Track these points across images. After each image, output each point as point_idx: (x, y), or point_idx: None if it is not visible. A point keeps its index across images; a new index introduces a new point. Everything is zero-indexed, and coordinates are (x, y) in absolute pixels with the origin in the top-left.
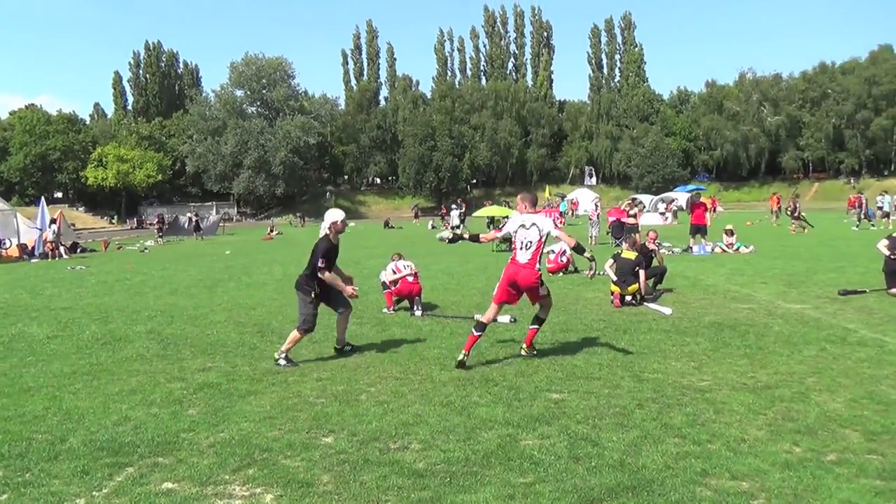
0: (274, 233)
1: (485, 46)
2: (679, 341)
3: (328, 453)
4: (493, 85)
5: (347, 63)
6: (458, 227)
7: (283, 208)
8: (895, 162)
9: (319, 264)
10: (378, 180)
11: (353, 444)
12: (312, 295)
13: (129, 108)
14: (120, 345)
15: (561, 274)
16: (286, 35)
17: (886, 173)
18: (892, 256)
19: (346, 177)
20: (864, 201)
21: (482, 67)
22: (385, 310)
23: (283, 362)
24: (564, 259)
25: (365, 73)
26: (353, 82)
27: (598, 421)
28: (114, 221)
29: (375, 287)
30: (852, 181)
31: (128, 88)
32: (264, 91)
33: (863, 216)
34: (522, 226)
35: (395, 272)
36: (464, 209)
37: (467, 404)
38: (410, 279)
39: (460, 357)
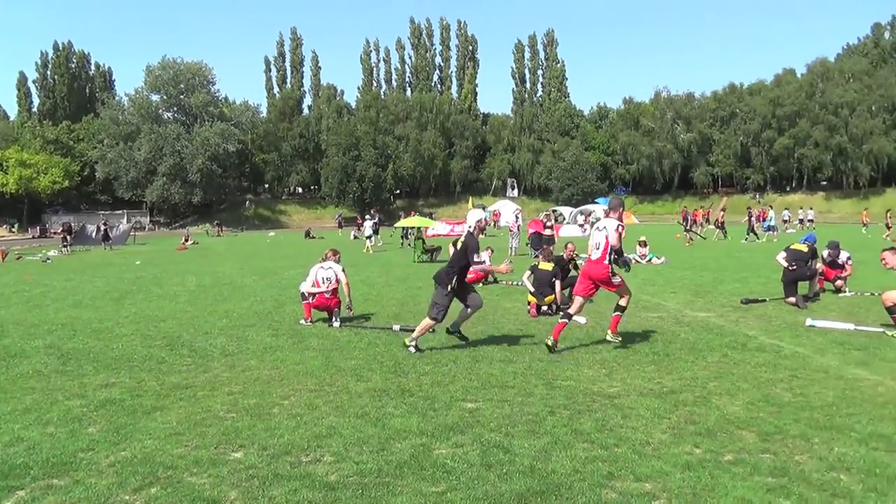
0: (189, 242)
1: (410, 58)
2: (591, 349)
3: (237, 469)
4: (418, 96)
5: (270, 70)
6: (368, 237)
7: (199, 217)
8: (796, 179)
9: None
10: (300, 189)
11: (264, 459)
12: (449, 288)
13: (35, 110)
14: (15, 361)
15: (480, 284)
16: (207, 40)
17: (788, 189)
18: (790, 268)
19: (266, 186)
20: (751, 215)
21: (407, 78)
22: (302, 321)
23: (412, 349)
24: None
25: (288, 80)
26: (276, 90)
27: (510, 428)
28: (14, 230)
29: (293, 297)
30: (758, 196)
31: (33, 90)
32: (182, 96)
33: (750, 230)
34: (597, 229)
35: (314, 285)
36: (377, 220)
37: (382, 415)
38: (328, 295)
39: (549, 342)
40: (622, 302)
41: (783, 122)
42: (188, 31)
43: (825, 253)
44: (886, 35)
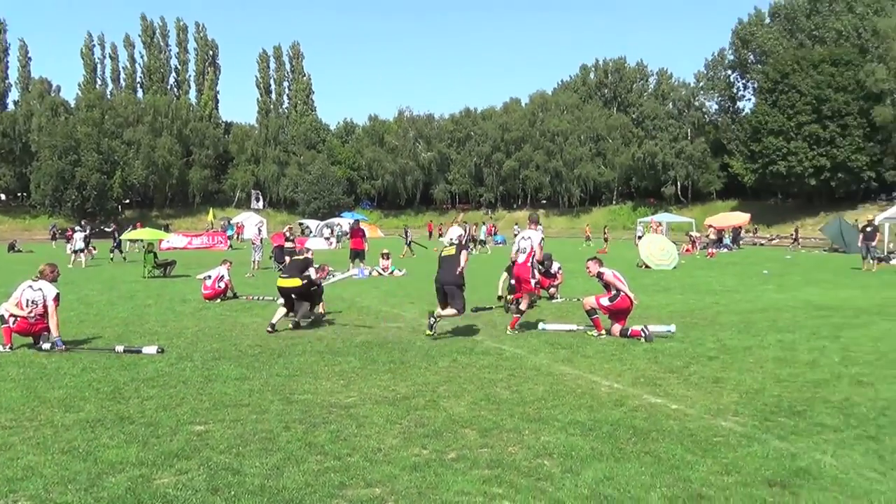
0: None
1: (142, 57)
2: (331, 361)
3: None
4: (152, 99)
5: None
6: (80, 250)
7: None
8: (521, 197)
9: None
10: (3, 196)
11: None
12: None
13: None
14: None
15: (218, 300)
16: None
17: (515, 206)
18: (512, 281)
19: None
20: (470, 229)
21: (139, 79)
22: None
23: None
24: (222, 285)
25: None
26: None
27: (242, 448)
28: None
29: None
30: (489, 212)
31: None
32: None
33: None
34: (522, 237)
35: (17, 307)
36: (88, 231)
37: (94, 448)
38: (32, 320)
39: (510, 333)
40: (522, 306)
41: (510, 146)
42: None
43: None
44: (591, 75)
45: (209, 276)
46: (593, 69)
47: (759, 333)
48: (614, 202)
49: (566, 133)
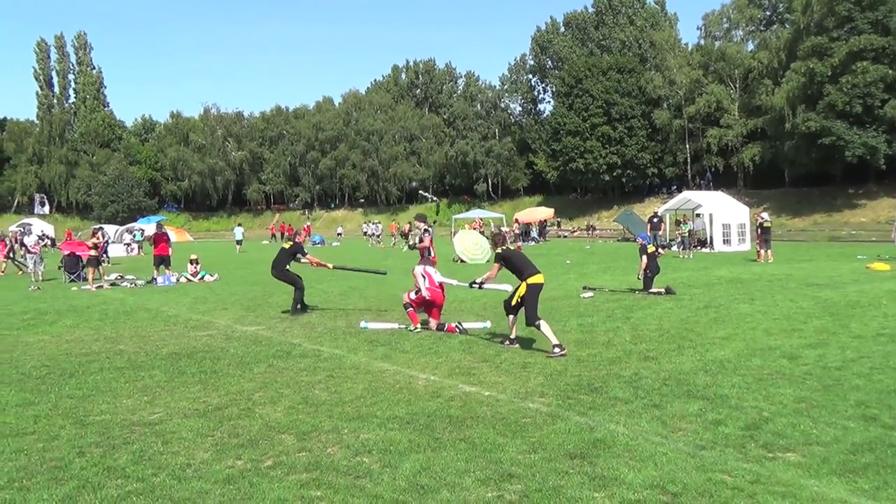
0: None
1: None
2: (133, 377)
3: None
4: None
5: None
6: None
7: None
8: (339, 196)
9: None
10: None
11: None
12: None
13: None
14: None
15: None
16: None
17: (333, 206)
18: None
19: None
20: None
21: None
22: None
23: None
24: None
25: None
26: None
27: (27, 481)
28: None
29: None
30: (307, 212)
31: None
32: None
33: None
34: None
35: None
36: None
37: None
38: None
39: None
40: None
41: (325, 145)
42: None
43: None
44: (403, 76)
45: None
46: (404, 70)
47: (563, 319)
48: (430, 200)
49: (381, 132)
